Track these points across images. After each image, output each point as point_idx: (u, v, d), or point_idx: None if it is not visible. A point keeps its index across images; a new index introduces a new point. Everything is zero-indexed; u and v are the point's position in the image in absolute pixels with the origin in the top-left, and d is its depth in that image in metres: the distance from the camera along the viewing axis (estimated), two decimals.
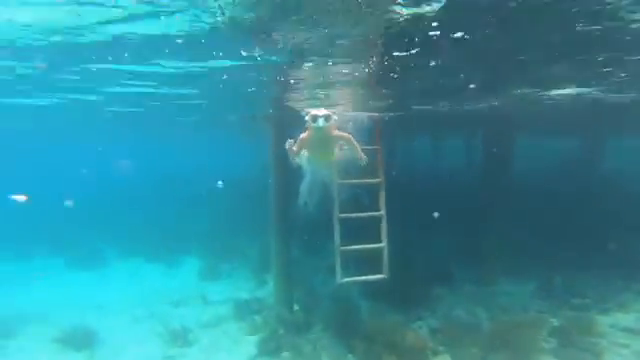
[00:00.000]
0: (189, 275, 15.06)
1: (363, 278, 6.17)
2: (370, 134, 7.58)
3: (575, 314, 8.62)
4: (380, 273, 6.86)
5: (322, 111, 5.39)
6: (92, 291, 14.01)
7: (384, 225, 6.88)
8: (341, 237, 6.70)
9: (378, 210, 6.75)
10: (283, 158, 10.10)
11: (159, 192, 22.68)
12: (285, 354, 8.70)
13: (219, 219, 17.64)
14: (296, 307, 9.51)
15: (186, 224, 18.35)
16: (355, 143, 5.88)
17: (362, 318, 8.71)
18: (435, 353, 7.70)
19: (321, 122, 5.30)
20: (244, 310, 10.98)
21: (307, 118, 5.53)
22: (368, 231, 6.67)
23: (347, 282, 6.43)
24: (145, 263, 16.90)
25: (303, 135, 5.77)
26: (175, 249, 16.85)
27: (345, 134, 5.88)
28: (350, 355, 7.89)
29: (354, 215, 6.62)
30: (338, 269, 6.01)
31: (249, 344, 9.44)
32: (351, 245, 6.68)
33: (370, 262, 6.50)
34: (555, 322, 8.24)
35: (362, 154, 5.92)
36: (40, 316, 11.59)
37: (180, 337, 9.92)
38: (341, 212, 6.56)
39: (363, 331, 7.96)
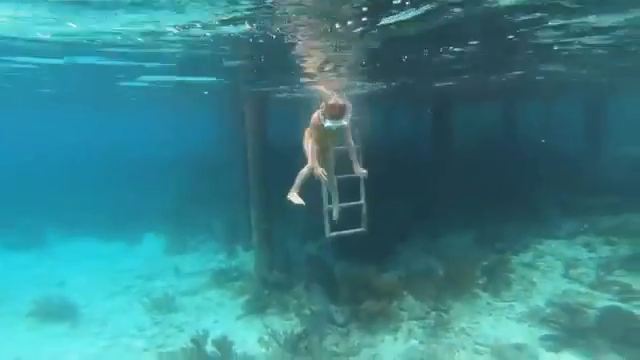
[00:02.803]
0: (153, 251, 15.18)
1: (346, 232, 6.93)
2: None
3: (497, 256, 10.96)
4: (359, 227, 7.22)
5: (339, 101, 5.02)
6: (44, 271, 13.64)
7: (362, 185, 7.38)
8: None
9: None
10: (260, 132, 10.92)
11: (108, 169, 21.68)
12: (272, 310, 9.76)
13: (178, 194, 17.69)
14: (276, 270, 10.57)
15: (142, 201, 18.10)
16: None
17: (338, 273, 10.11)
18: (400, 296, 9.44)
19: (333, 125, 4.99)
20: (222, 278, 11.72)
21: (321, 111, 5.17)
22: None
23: (334, 236, 6.83)
24: (98, 242, 16.56)
25: (315, 119, 5.32)
26: (132, 227, 16.68)
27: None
28: (332, 305, 9.27)
29: (339, 177, 7.18)
30: (326, 225, 6.60)
31: (234, 306, 10.32)
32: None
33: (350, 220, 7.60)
34: (485, 263, 10.49)
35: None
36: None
37: (164, 305, 10.44)
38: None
39: (343, 282, 9.40)
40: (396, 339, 8.40)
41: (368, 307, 8.71)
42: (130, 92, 13.46)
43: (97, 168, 22.02)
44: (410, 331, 8.57)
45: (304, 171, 5.40)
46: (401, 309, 9.13)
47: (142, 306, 10.56)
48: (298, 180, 5.38)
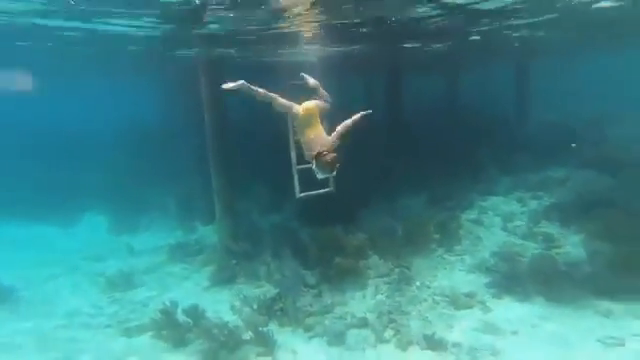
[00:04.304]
0: (96, 232, 14.14)
1: (315, 192, 6.75)
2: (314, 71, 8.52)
3: (448, 214, 11.90)
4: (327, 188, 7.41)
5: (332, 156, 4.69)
6: None
7: None
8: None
9: None
10: (217, 100, 10.47)
11: (33, 145, 19.30)
12: (241, 279, 9.71)
13: (118, 170, 16.41)
14: (242, 240, 10.47)
15: (75, 179, 16.55)
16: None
17: (306, 238, 10.30)
18: (366, 256, 9.91)
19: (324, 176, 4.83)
20: (181, 253, 11.32)
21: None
22: None
23: (304, 196, 6.69)
24: (26, 226, 14.92)
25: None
26: (66, 207, 15.28)
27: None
28: (303, 269, 9.42)
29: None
30: (296, 186, 6.35)
31: (200, 279, 10.09)
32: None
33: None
34: (438, 221, 11.23)
35: None
36: None
37: (121, 282, 9.89)
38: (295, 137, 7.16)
39: (311, 246, 9.62)
40: (365, 296, 8.85)
41: (337, 268, 9.06)
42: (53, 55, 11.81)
43: (19, 145, 19.54)
44: (377, 287, 9.07)
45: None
46: (367, 268, 9.58)
47: (95, 285, 9.99)
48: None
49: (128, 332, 7.90)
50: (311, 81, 5.28)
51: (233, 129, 10.76)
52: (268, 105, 5.03)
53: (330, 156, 4.65)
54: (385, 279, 9.35)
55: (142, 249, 12.22)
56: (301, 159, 7.19)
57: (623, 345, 6.56)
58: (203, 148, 11.34)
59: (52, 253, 12.38)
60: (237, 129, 10.65)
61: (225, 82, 4.72)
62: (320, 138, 4.92)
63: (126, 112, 21.85)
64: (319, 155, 4.69)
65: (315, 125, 5.01)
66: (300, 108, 4.94)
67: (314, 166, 4.86)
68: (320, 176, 4.93)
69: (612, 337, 6.76)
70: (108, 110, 26.67)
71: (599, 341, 6.76)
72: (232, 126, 10.79)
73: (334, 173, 4.87)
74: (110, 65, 15.06)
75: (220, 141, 10.38)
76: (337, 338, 7.37)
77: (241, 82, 4.66)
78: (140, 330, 7.92)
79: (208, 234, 12.24)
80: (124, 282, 9.89)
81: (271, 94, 4.82)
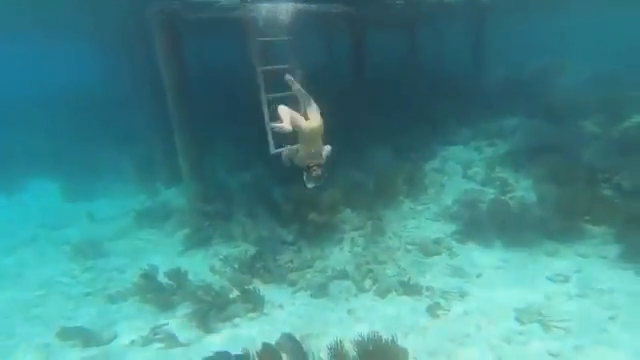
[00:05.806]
0: (47, 199, 13.16)
1: (288, 147, 6.40)
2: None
3: (412, 165, 12.35)
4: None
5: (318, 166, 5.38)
6: None
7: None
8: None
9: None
10: (175, 57, 9.71)
11: None
12: (217, 241, 9.67)
13: (65, 133, 15.05)
14: (214, 201, 10.26)
15: (15, 144, 15.01)
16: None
17: (279, 197, 10.32)
18: (340, 210, 10.14)
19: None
20: (148, 218, 10.90)
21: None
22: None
23: (278, 152, 6.54)
24: None
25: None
26: (7, 175, 14.00)
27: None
28: (280, 228, 9.55)
29: (278, 95, 6.66)
30: (270, 142, 6.40)
31: (173, 243, 9.88)
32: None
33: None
34: (404, 173, 11.68)
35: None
36: None
37: (90, 250, 9.50)
38: (267, 93, 6.72)
39: (286, 204, 9.69)
40: (342, 249, 9.22)
41: (313, 224, 9.28)
42: None
43: None
44: (352, 240, 9.44)
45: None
46: (342, 222, 9.91)
47: (62, 255, 9.52)
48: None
49: (111, 298, 7.75)
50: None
51: (194, 85, 10.08)
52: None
53: (317, 172, 5.28)
54: (360, 232, 9.72)
55: (103, 215, 11.63)
56: (273, 116, 7.19)
57: (568, 281, 7.35)
58: (158, 107, 10.67)
59: (3, 223, 11.49)
60: (198, 85, 9.98)
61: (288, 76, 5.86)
62: (317, 151, 5.45)
63: (70, 74, 19.54)
64: (308, 168, 5.28)
65: (317, 141, 5.46)
66: (307, 125, 5.41)
67: (304, 177, 5.43)
68: (310, 186, 5.46)
69: (559, 274, 7.50)
70: (51, 72, 23.75)
71: (548, 279, 7.46)
72: (193, 82, 10.12)
73: (321, 183, 5.44)
74: (53, 25, 13.27)
75: (182, 98, 9.76)
76: (320, 291, 7.73)
77: (298, 86, 5.58)
78: (123, 296, 7.81)
79: (173, 196, 11.85)
80: (93, 250, 9.50)
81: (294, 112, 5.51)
